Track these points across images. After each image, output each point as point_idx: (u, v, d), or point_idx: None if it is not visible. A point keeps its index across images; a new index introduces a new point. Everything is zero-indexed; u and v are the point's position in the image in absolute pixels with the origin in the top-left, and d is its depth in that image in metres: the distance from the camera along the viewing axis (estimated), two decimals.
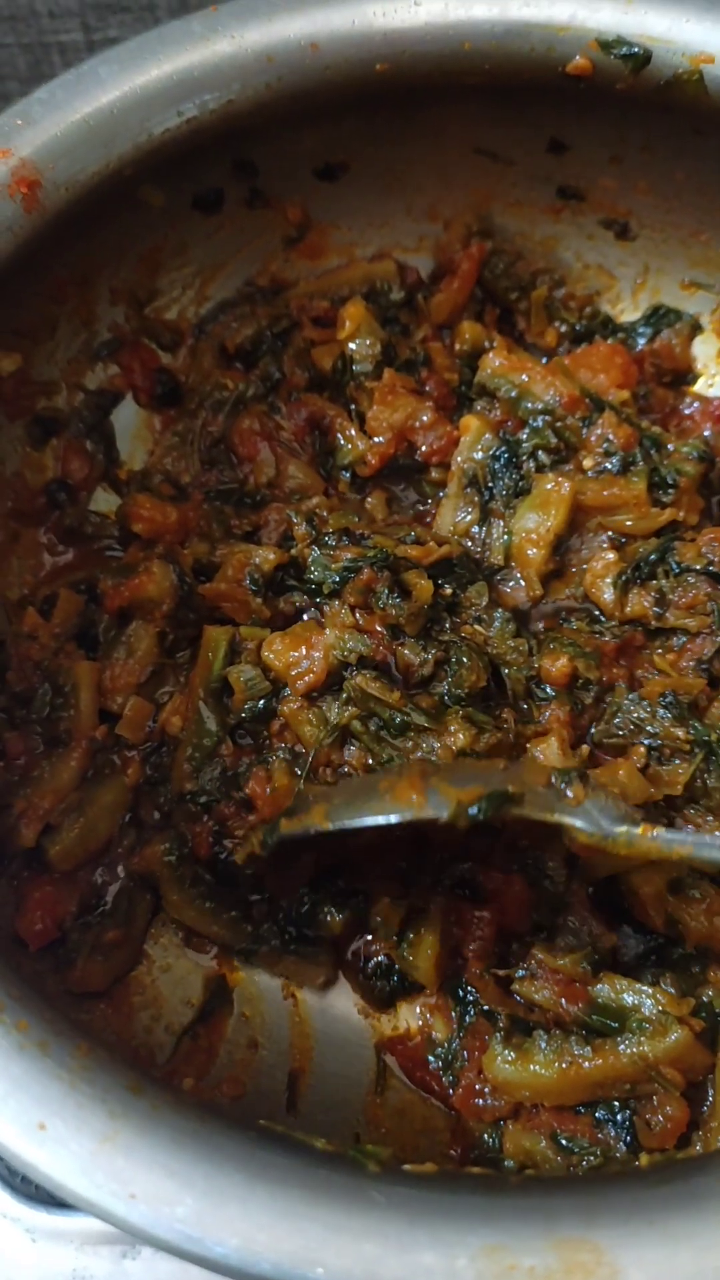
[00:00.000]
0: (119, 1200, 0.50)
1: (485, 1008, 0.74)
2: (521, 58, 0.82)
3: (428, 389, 0.94)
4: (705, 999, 0.74)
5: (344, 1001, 0.80)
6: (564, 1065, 0.70)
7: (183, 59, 0.80)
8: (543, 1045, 0.70)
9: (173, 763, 0.82)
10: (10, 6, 1.28)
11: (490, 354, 0.91)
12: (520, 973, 0.74)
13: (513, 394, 0.89)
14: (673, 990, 0.75)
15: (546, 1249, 0.47)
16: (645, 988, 0.71)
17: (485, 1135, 0.71)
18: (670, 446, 0.88)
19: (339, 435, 0.93)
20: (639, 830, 0.69)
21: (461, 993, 0.76)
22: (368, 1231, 0.49)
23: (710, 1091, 0.71)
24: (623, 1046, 0.70)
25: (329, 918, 0.78)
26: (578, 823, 0.70)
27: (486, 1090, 0.71)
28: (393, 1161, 0.52)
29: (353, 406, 0.93)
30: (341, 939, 0.80)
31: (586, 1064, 0.70)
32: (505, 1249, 0.47)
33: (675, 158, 0.89)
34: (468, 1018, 0.74)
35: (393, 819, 0.69)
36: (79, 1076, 0.52)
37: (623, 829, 0.69)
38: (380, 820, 0.70)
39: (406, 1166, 0.52)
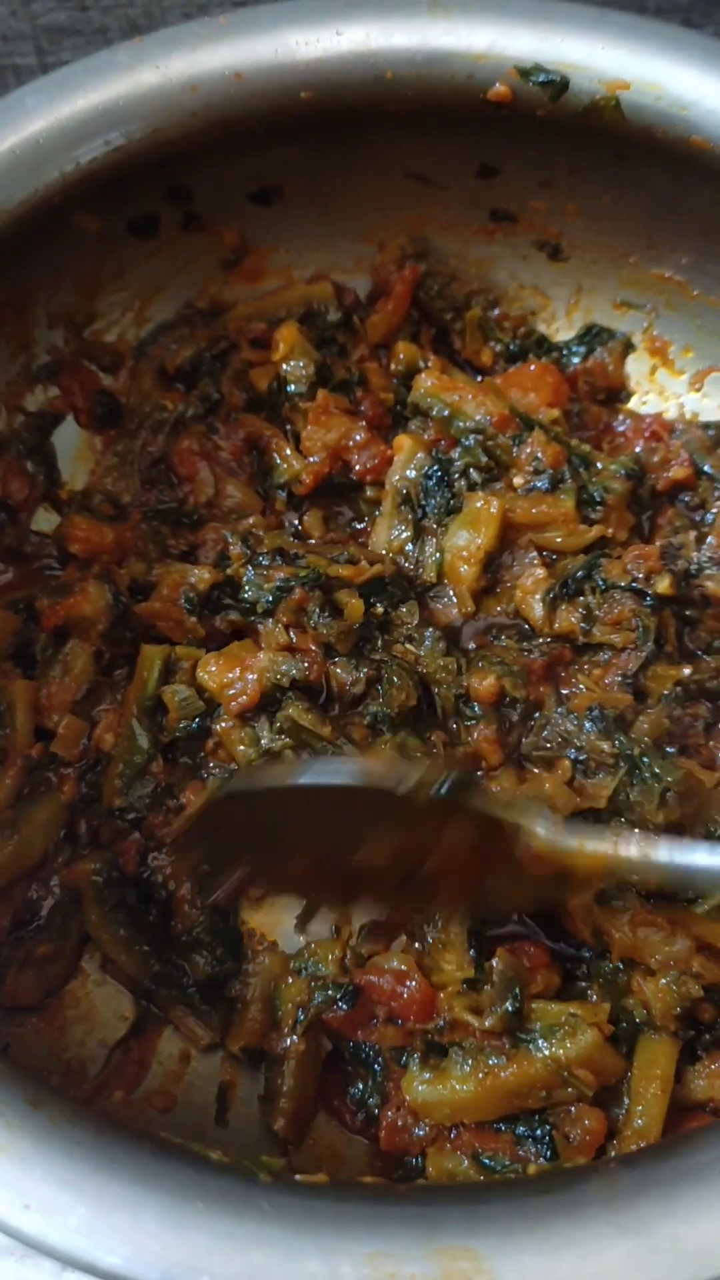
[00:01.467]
0: (14, 1210, 0.51)
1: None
2: (443, 85, 0.84)
3: (363, 409, 0.95)
4: (628, 1006, 0.75)
5: None
6: (481, 1076, 0.71)
7: (109, 89, 0.81)
8: (459, 1060, 0.71)
9: (104, 779, 0.83)
10: None
11: (423, 374, 0.92)
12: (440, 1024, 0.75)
13: (445, 413, 0.91)
14: (595, 999, 0.76)
15: (427, 1256, 0.48)
16: (558, 1004, 0.72)
17: (411, 1159, 0.72)
18: (599, 465, 0.89)
19: (275, 455, 0.94)
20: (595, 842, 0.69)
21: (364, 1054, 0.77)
22: (255, 1240, 0.49)
23: (625, 1100, 0.72)
24: (535, 1051, 0.71)
25: (203, 958, 0.79)
26: (538, 827, 0.70)
27: (409, 1121, 0.72)
28: (285, 1172, 0.53)
29: (288, 426, 0.94)
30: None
31: (503, 1073, 0.71)
32: (387, 1256, 0.48)
33: (602, 182, 0.90)
34: (376, 1069, 0.76)
35: (357, 779, 0.68)
36: None
37: (577, 840, 0.69)
38: (342, 780, 0.68)
39: (298, 1176, 0.53)
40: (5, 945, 0.79)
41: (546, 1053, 0.71)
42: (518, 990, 0.74)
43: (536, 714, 0.83)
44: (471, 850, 0.70)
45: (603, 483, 0.88)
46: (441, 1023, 0.76)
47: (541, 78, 0.83)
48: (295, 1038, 0.76)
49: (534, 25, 0.82)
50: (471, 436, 0.90)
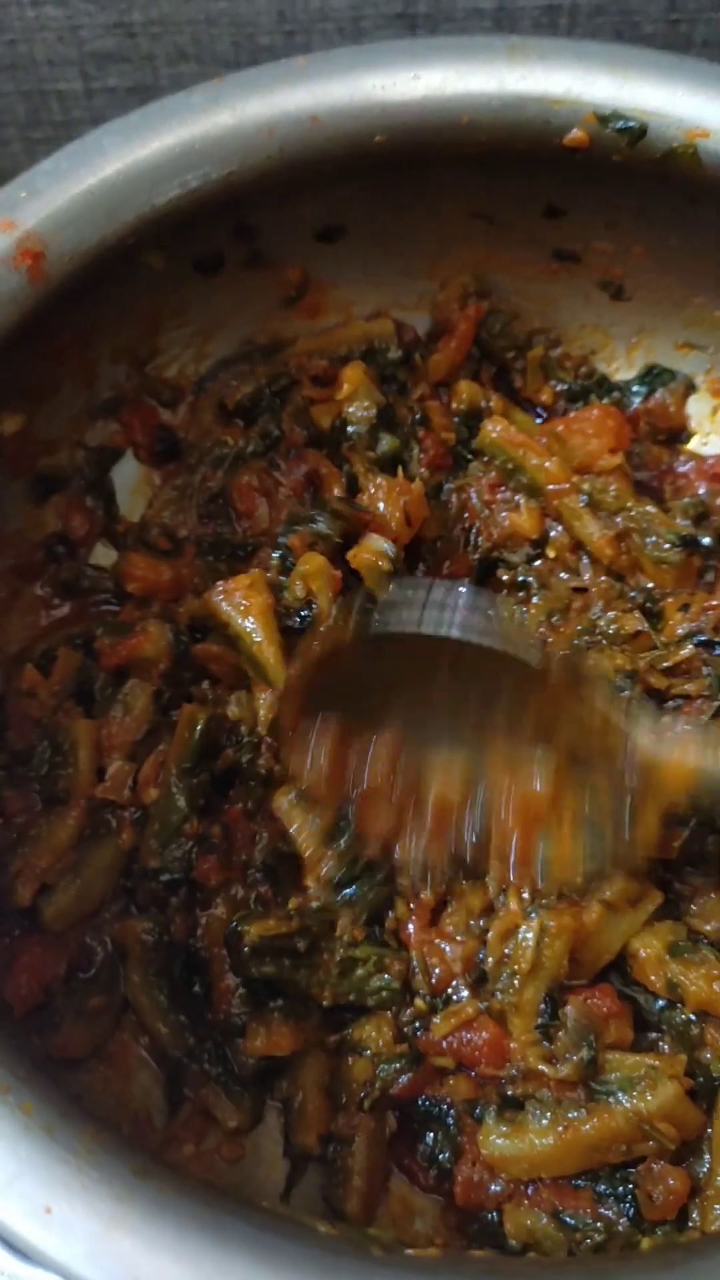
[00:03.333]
0: None
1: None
2: (518, 130, 0.84)
3: (424, 448, 0.95)
4: (704, 1060, 0.75)
5: None
6: (560, 1130, 0.71)
7: (185, 131, 0.81)
8: (536, 1114, 0.71)
9: (142, 837, 0.82)
10: (9, 54, 1.30)
11: (490, 421, 0.92)
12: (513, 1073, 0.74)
13: (508, 465, 0.91)
14: (667, 1051, 0.76)
15: None
16: (632, 1056, 0.72)
17: (487, 1214, 0.72)
18: (650, 540, 0.88)
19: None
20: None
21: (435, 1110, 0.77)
22: None
23: (707, 1158, 0.71)
24: (615, 1105, 0.71)
25: (250, 1032, 0.77)
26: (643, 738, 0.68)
27: (484, 1176, 0.72)
28: (395, 1245, 0.52)
29: (346, 466, 0.94)
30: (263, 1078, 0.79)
31: (583, 1126, 0.71)
32: None
33: (670, 224, 0.90)
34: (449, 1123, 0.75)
35: (502, 645, 0.67)
36: (85, 1160, 0.53)
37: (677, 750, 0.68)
38: (489, 642, 0.67)
39: (410, 1251, 0.52)
40: (59, 995, 0.78)
41: (627, 1105, 0.71)
42: (592, 1039, 0.73)
43: None
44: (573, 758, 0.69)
45: (656, 554, 0.88)
46: (514, 1072, 0.75)
47: (619, 124, 0.82)
48: (362, 1114, 0.75)
49: (612, 71, 0.82)
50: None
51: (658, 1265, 0.50)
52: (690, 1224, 0.70)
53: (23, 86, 1.34)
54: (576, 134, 0.83)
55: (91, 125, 1.34)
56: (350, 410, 0.93)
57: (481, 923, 0.80)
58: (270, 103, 0.82)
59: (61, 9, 1.24)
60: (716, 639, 0.84)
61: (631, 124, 0.82)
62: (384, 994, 0.79)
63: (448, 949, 0.80)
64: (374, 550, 0.86)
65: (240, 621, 0.84)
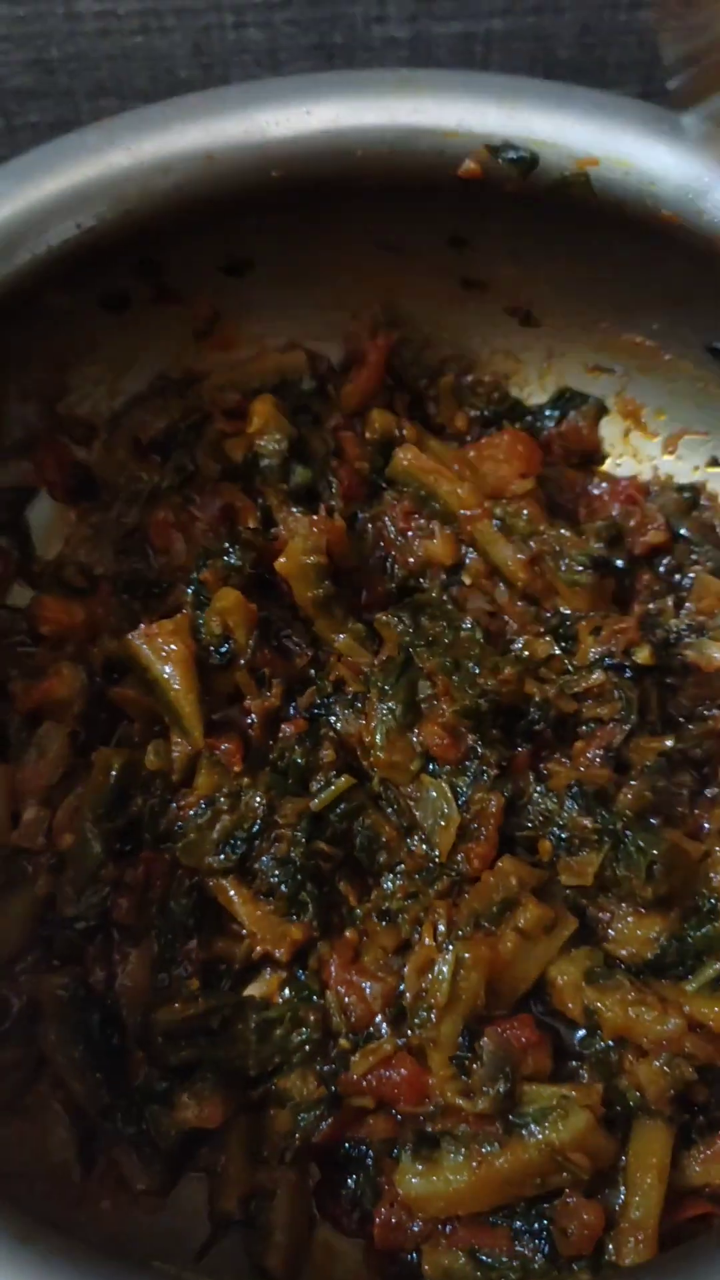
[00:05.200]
0: None
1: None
2: (413, 162, 0.84)
3: (338, 479, 0.95)
4: (621, 1087, 0.75)
5: None
6: (475, 1166, 0.70)
7: (78, 172, 0.81)
8: (452, 1151, 0.70)
9: (59, 883, 0.82)
10: None
11: (401, 449, 0.92)
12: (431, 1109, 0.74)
13: (421, 492, 0.91)
14: (586, 1079, 0.75)
15: None
16: (550, 1087, 0.71)
17: (407, 1255, 0.71)
18: (564, 562, 0.88)
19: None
20: None
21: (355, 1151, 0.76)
22: None
23: (622, 1189, 0.71)
24: (528, 1137, 0.70)
25: (179, 1103, 0.76)
26: None
27: (403, 1217, 0.71)
28: None
29: (260, 499, 0.93)
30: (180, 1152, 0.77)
31: (497, 1160, 0.70)
32: None
33: (571, 252, 0.91)
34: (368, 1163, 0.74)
35: None
36: None
37: None
38: None
39: None
40: None
41: (540, 1137, 0.70)
42: (509, 1070, 0.73)
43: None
44: None
45: (569, 577, 0.88)
46: (433, 1108, 0.75)
47: (511, 154, 0.83)
48: (284, 1167, 0.75)
49: (502, 102, 0.82)
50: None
51: None
52: (606, 1257, 0.69)
53: None
54: (469, 165, 0.84)
55: None
56: (261, 443, 0.93)
57: (401, 958, 0.80)
58: (164, 141, 0.82)
59: None
60: (626, 663, 0.84)
61: (523, 154, 0.83)
62: (307, 1047, 0.78)
63: (368, 986, 0.80)
64: (300, 550, 0.86)
65: (160, 667, 0.84)
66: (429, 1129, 0.74)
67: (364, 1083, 0.76)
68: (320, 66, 1.29)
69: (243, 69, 1.29)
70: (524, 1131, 0.70)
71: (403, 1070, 0.76)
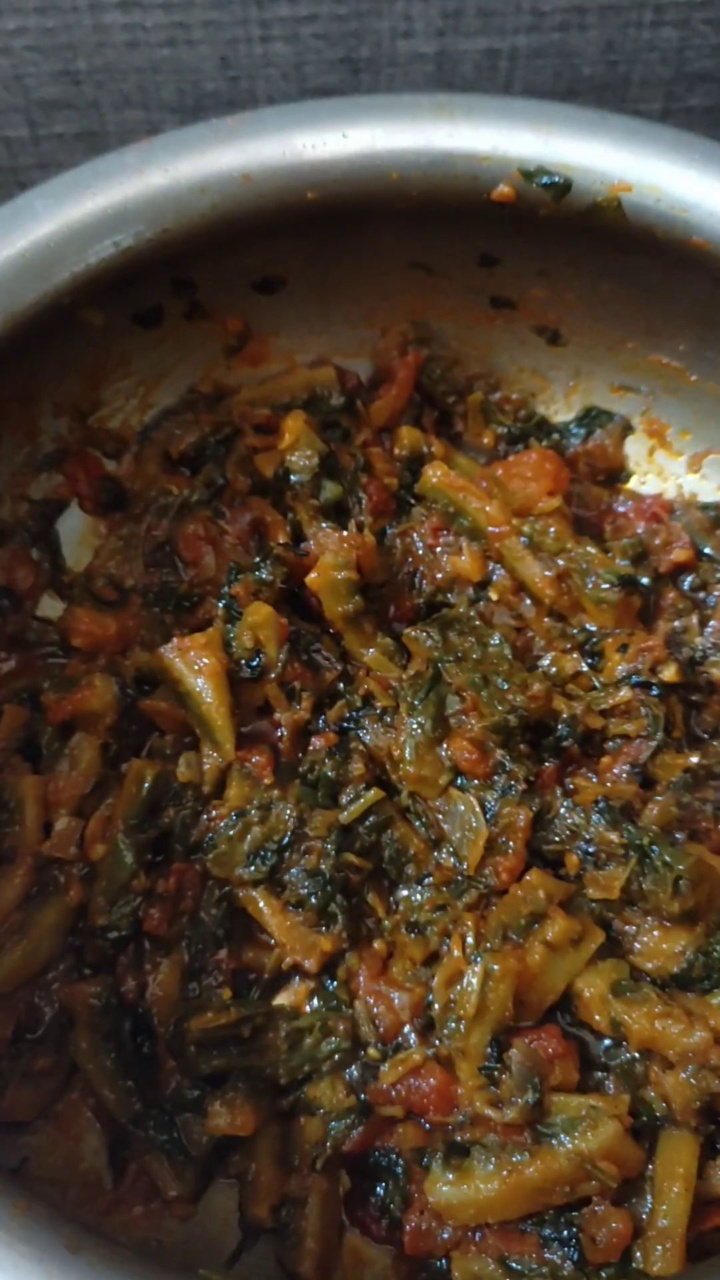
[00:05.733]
0: None
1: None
2: (447, 185, 0.86)
3: (368, 494, 0.96)
4: (648, 1098, 0.76)
5: None
6: (505, 1175, 0.71)
7: (117, 191, 0.82)
8: (482, 1159, 0.71)
9: (90, 894, 0.83)
10: None
11: (431, 466, 0.93)
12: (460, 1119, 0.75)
13: (450, 509, 0.92)
14: (612, 1090, 0.76)
15: None
16: (577, 1097, 0.72)
17: (436, 1262, 0.72)
18: (591, 580, 0.89)
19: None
20: None
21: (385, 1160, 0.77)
22: None
23: (649, 1198, 0.72)
24: (558, 1146, 0.71)
25: (211, 1111, 0.76)
26: None
27: (433, 1225, 0.72)
28: None
29: (290, 514, 0.95)
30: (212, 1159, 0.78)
31: (527, 1169, 0.71)
32: None
33: (600, 273, 0.92)
34: (398, 1172, 0.75)
35: None
36: (16, 1235, 0.53)
37: None
38: None
39: None
40: (6, 1056, 0.78)
41: (569, 1146, 0.71)
42: (537, 1081, 0.74)
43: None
44: None
45: (596, 595, 0.89)
46: (461, 1118, 0.76)
47: (544, 179, 0.84)
48: (315, 1175, 0.76)
49: (537, 127, 0.84)
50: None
51: None
52: (634, 1265, 0.70)
53: None
54: (503, 189, 0.85)
55: (39, 170, 1.36)
56: (292, 459, 0.94)
57: (430, 970, 0.81)
58: (202, 162, 0.83)
59: (7, 58, 1.25)
60: (652, 680, 0.85)
61: (556, 179, 0.84)
62: (336, 1057, 0.79)
63: (396, 997, 0.81)
64: (331, 565, 0.87)
65: (192, 680, 0.85)
66: (458, 1138, 0.75)
67: (393, 1092, 0.78)
68: (346, 80, 1.30)
69: (269, 82, 1.30)
70: (553, 1141, 0.71)
71: (432, 1080, 0.77)
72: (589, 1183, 0.71)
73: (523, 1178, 0.71)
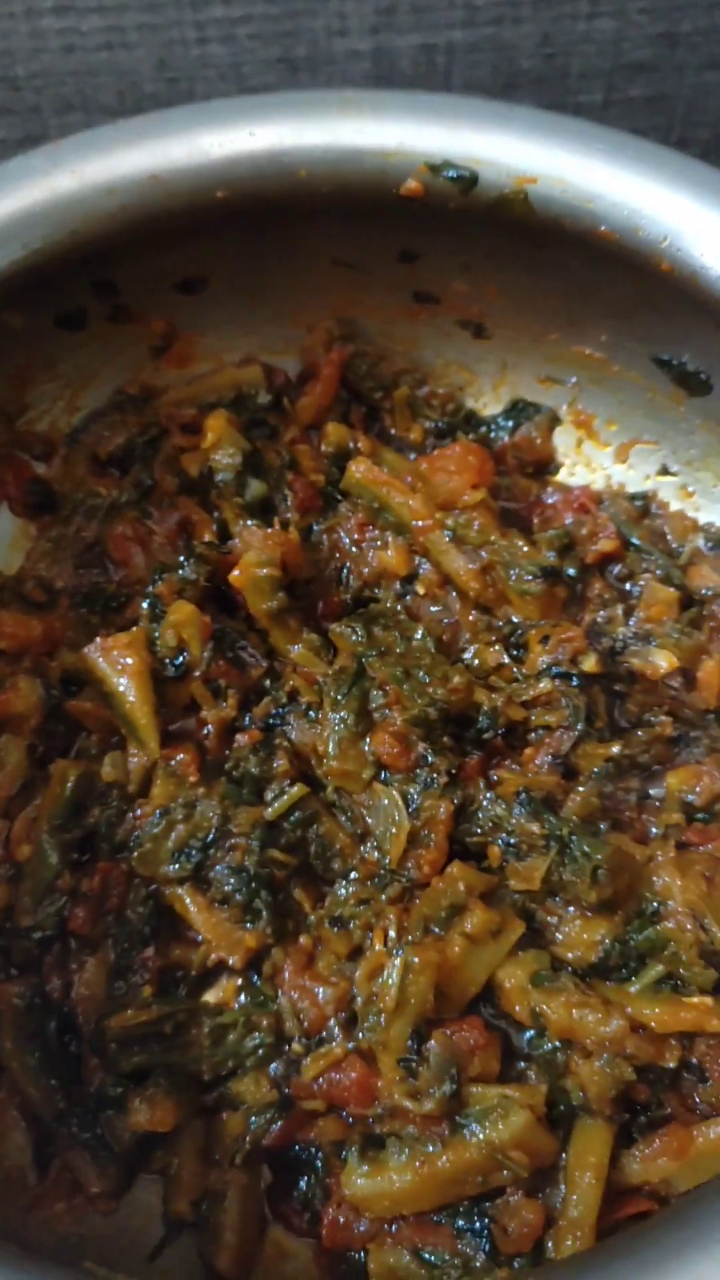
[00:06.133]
0: None
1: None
2: (356, 181, 0.86)
3: (294, 491, 0.96)
4: (566, 1088, 0.76)
5: None
6: (418, 1166, 0.72)
7: (25, 194, 0.83)
8: (396, 1151, 0.72)
9: (16, 894, 0.83)
10: None
11: (354, 462, 0.93)
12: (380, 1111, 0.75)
13: (374, 504, 0.92)
14: (534, 1080, 0.77)
15: None
16: (494, 1088, 0.72)
17: (354, 1254, 0.72)
18: (514, 571, 0.90)
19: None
20: None
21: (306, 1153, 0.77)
22: None
23: (562, 1187, 0.72)
24: (470, 1136, 0.72)
25: (132, 1108, 0.77)
26: None
27: (350, 1217, 0.72)
28: None
29: (216, 513, 0.95)
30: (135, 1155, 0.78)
31: (440, 1160, 0.71)
32: None
33: (519, 265, 0.92)
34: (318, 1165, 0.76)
35: None
36: None
37: None
38: None
39: None
40: None
41: (480, 1136, 0.72)
42: (454, 1072, 0.74)
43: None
44: None
45: (519, 587, 0.89)
46: (381, 1110, 0.76)
47: (451, 173, 0.84)
48: (235, 1169, 0.76)
49: (443, 121, 0.84)
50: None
51: None
52: (546, 1254, 0.70)
53: None
54: (411, 184, 0.85)
55: None
56: (216, 458, 0.95)
57: (354, 964, 0.81)
58: (109, 163, 0.84)
59: None
60: (573, 671, 0.85)
61: (463, 172, 0.84)
62: (260, 1052, 0.80)
63: (320, 992, 0.81)
64: (254, 563, 0.87)
65: (115, 680, 0.85)
66: (377, 1130, 0.75)
67: (315, 1086, 0.78)
68: (285, 80, 1.31)
69: (207, 83, 1.30)
70: (466, 1131, 0.72)
71: (353, 1073, 0.77)
72: (501, 1173, 0.71)
73: (435, 1169, 0.71)
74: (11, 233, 0.82)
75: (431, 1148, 0.72)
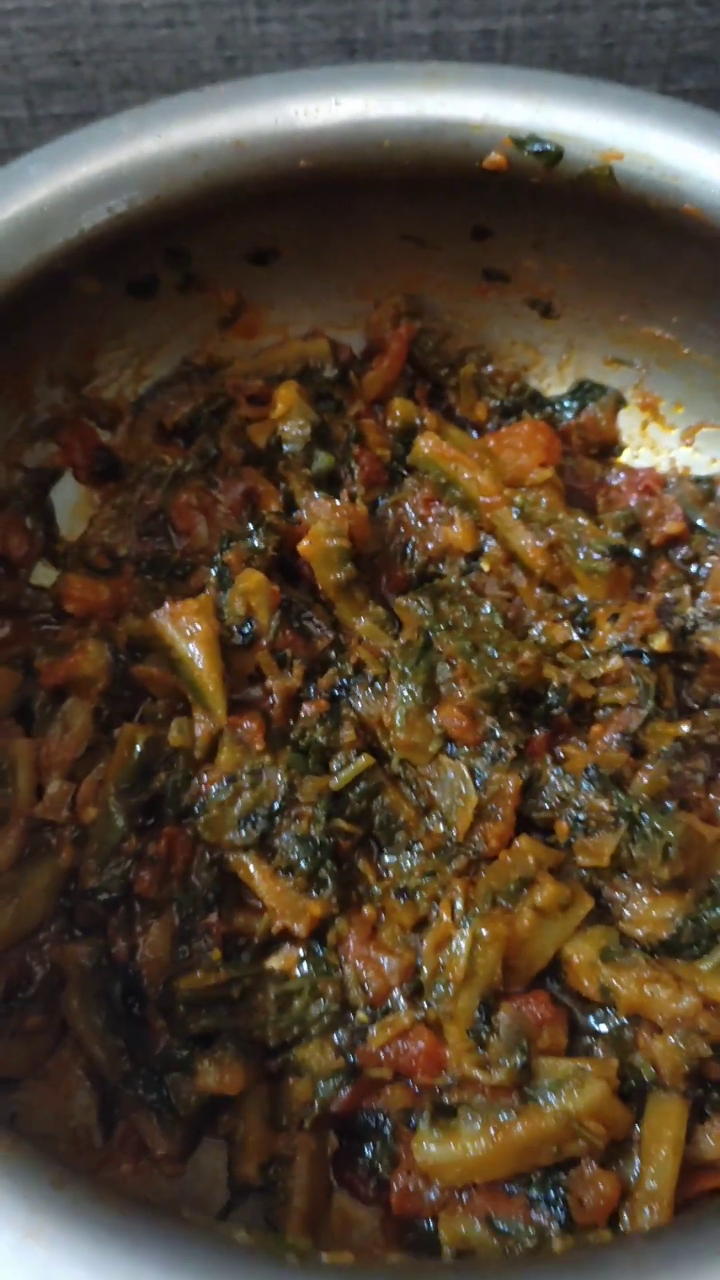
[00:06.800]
0: None
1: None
2: (439, 154, 0.86)
3: (360, 465, 0.96)
4: (636, 1064, 0.76)
5: None
6: (492, 1134, 0.71)
7: (110, 157, 0.82)
8: (469, 1119, 0.71)
9: (81, 857, 0.83)
10: None
11: (423, 437, 0.93)
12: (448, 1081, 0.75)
13: (441, 479, 0.92)
14: (601, 1055, 0.76)
15: None
16: (565, 1060, 0.72)
17: (423, 1223, 0.72)
18: (582, 550, 0.89)
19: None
20: None
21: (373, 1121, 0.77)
22: None
23: (637, 1161, 0.72)
24: (545, 1105, 0.71)
25: (200, 1070, 0.76)
26: None
27: (420, 1185, 0.72)
28: (312, 1253, 0.53)
29: (283, 484, 0.95)
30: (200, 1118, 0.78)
31: (514, 1128, 0.71)
32: None
33: (593, 244, 0.92)
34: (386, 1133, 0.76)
35: None
36: (0, 1171, 0.53)
37: None
38: None
39: (325, 1256, 0.53)
40: None
41: (556, 1105, 0.71)
42: (525, 1043, 0.74)
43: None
44: None
45: (588, 565, 0.89)
46: (449, 1079, 0.76)
47: (536, 147, 0.84)
48: (303, 1134, 0.76)
49: (528, 96, 0.84)
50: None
51: (568, 1267, 0.51)
52: (621, 1227, 0.70)
53: None
54: (495, 157, 0.85)
55: None
56: (285, 429, 0.95)
57: (419, 935, 0.81)
58: (194, 129, 0.84)
59: (5, 38, 1.26)
60: (643, 649, 0.85)
61: (548, 146, 0.84)
62: (325, 1019, 0.79)
63: (385, 962, 0.81)
64: (323, 533, 0.87)
65: (184, 646, 0.85)
66: (446, 1100, 0.75)
67: (381, 1054, 0.78)
68: (342, 61, 1.31)
69: (265, 63, 1.30)
70: (540, 1100, 0.71)
71: (420, 1043, 0.77)
72: (576, 1142, 0.71)
73: (510, 1137, 0.71)
74: (96, 195, 0.82)
75: (505, 1116, 0.71)
